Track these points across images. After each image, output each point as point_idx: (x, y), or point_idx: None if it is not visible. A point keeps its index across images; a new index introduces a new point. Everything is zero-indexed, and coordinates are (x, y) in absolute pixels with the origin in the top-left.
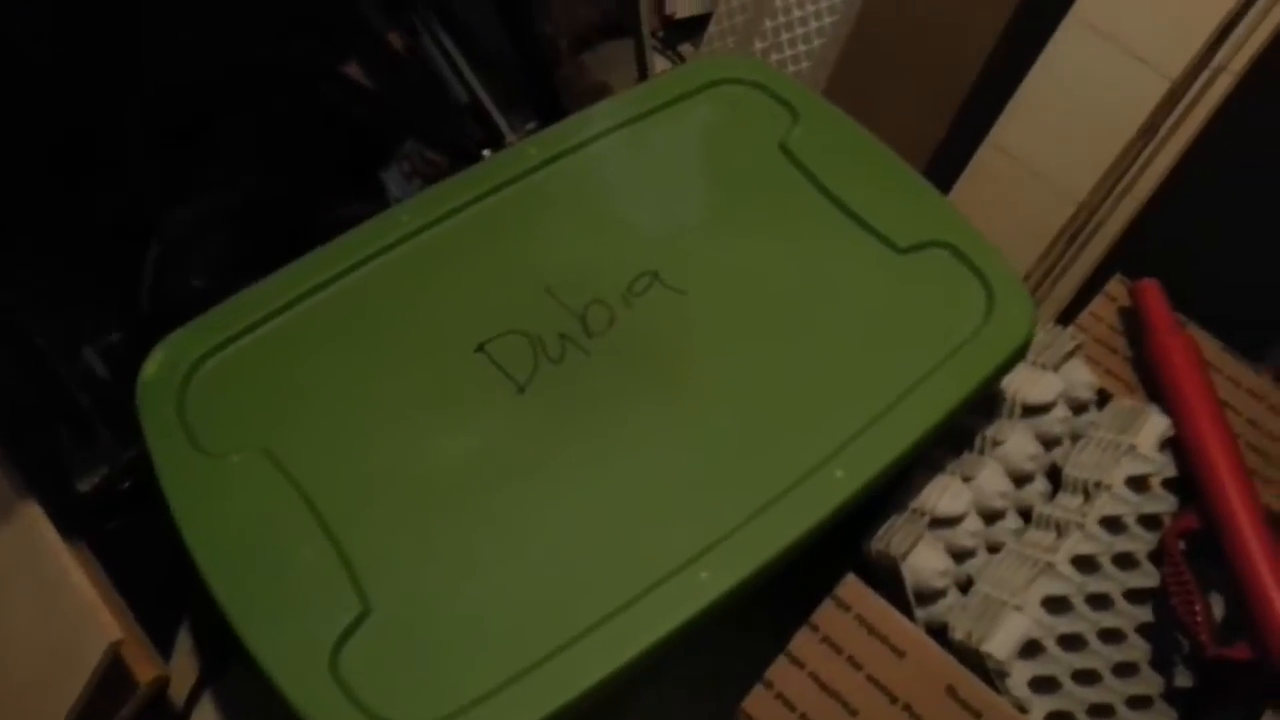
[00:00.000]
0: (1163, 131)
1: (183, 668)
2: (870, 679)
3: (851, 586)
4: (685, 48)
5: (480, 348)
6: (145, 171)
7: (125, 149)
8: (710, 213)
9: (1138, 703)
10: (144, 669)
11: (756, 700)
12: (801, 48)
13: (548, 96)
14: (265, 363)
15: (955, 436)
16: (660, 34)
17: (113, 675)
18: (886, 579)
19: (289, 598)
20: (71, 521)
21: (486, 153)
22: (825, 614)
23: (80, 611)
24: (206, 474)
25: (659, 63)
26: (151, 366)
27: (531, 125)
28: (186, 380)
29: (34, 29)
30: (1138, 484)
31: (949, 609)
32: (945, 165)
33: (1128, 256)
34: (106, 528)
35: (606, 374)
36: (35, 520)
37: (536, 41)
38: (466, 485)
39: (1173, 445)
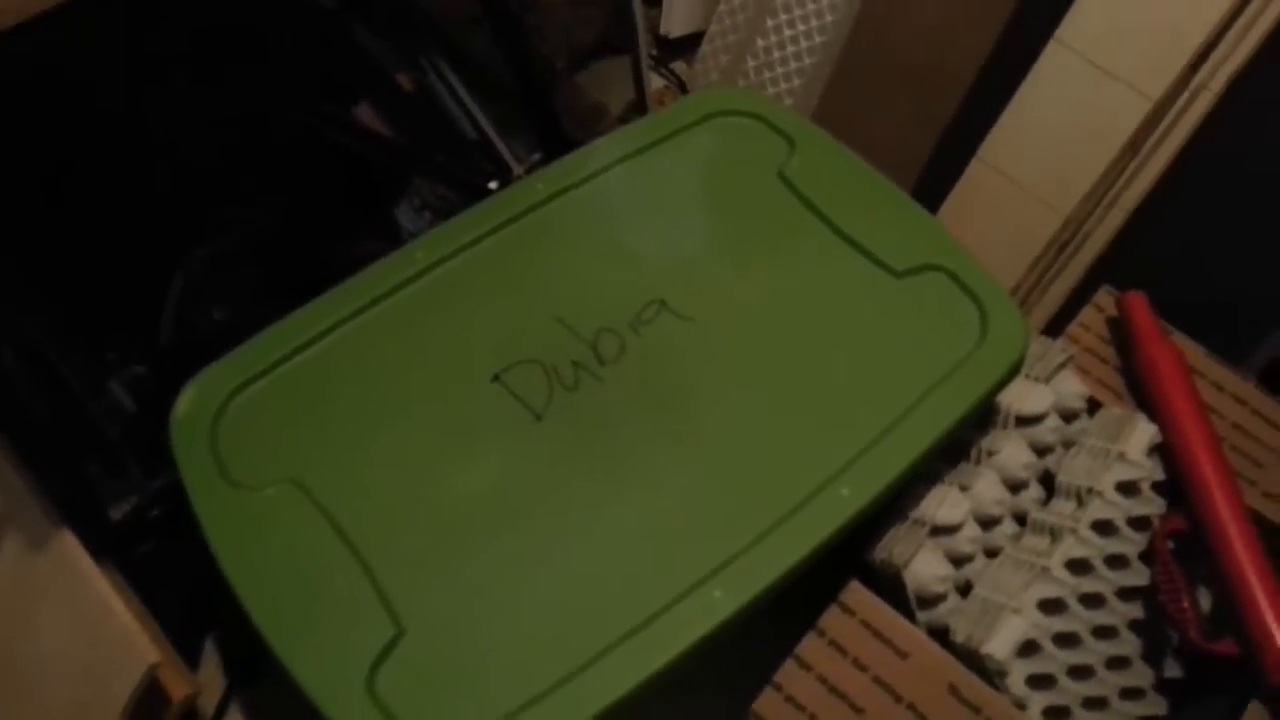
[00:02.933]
0: (1146, 148)
1: (210, 680)
2: (876, 680)
3: (856, 592)
4: (678, 65)
5: (497, 377)
6: (167, 211)
7: (148, 189)
8: (713, 241)
9: (1130, 694)
10: (178, 687)
11: (767, 702)
12: (793, 65)
13: (548, 119)
14: (292, 397)
15: (952, 447)
16: (654, 52)
17: (149, 695)
18: (889, 585)
19: (325, 623)
20: (105, 548)
21: (494, 185)
22: (831, 619)
23: (118, 636)
24: (241, 507)
25: (653, 80)
26: (183, 404)
27: (536, 156)
28: (217, 417)
29: (61, 76)
30: (1127, 489)
31: (950, 612)
32: (934, 181)
33: (1114, 266)
34: (137, 553)
35: (619, 400)
36: (71, 548)
37: (534, 65)
38: (489, 511)
39: (1160, 450)
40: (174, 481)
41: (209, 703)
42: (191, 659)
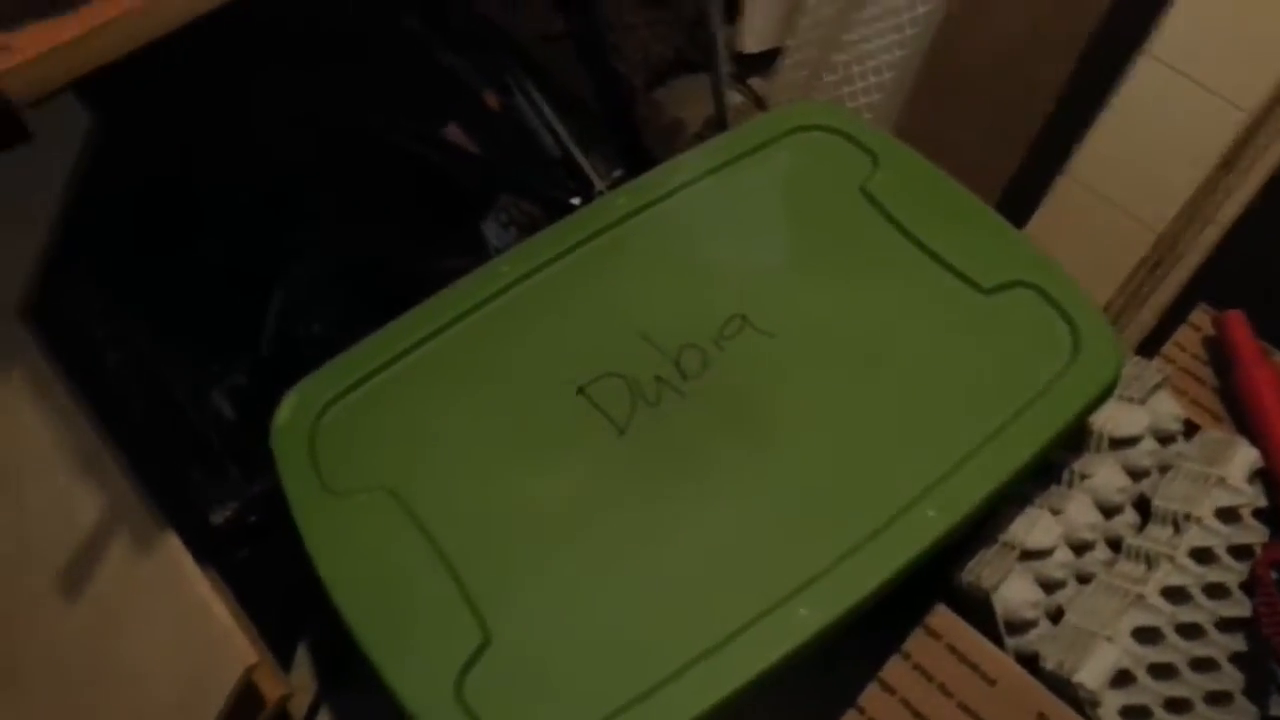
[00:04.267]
0: (1243, 162)
1: (302, 682)
2: (961, 706)
3: (942, 616)
4: (755, 81)
5: (581, 390)
6: (265, 229)
7: (247, 208)
8: (796, 256)
9: None
10: (272, 688)
11: None
12: (872, 80)
13: (629, 135)
14: (385, 407)
15: (1043, 470)
16: (731, 69)
17: (245, 696)
18: (976, 609)
19: (416, 628)
20: (206, 551)
21: (576, 201)
22: (916, 642)
23: (218, 637)
24: (337, 513)
25: (731, 96)
26: (284, 413)
27: (618, 173)
28: (315, 426)
29: (165, 100)
30: (1228, 515)
31: (1039, 639)
32: (1019, 197)
33: (1211, 284)
34: (237, 557)
35: (702, 415)
36: (176, 551)
37: (616, 82)
38: (574, 522)
39: (1262, 476)
40: (272, 488)
41: (300, 704)
42: (285, 661)
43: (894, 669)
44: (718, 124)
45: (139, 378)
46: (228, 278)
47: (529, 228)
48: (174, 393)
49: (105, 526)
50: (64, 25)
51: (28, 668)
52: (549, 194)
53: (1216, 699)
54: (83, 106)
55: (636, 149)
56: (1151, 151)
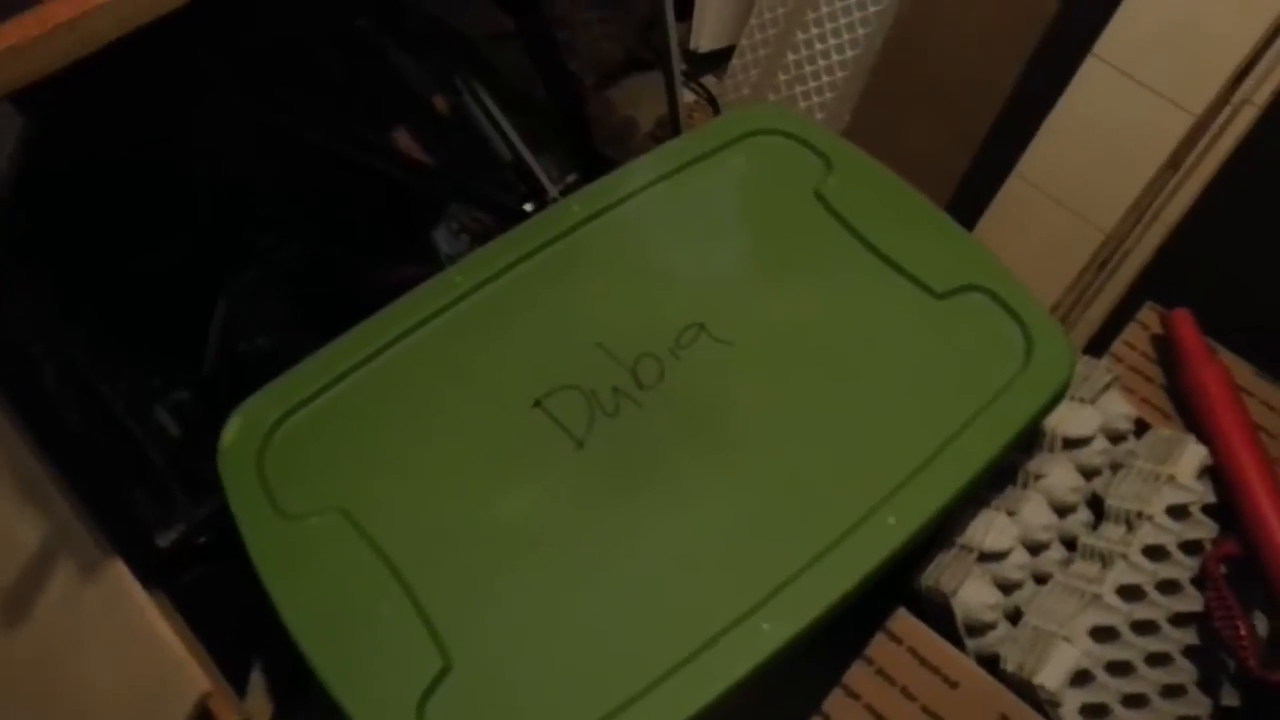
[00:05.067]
0: (1188, 162)
1: (258, 705)
2: (925, 710)
3: (903, 620)
4: (708, 79)
5: (538, 403)
6: (209, 238)
7: (190, 216)
8: (751, 263)
9: None
10: (227, 714)
11: None
12: (825, 79)
13: (581, 137)
14: (336, 424)
15: (998, 471)
16: (684, 67)
17: None
18: (937, 612)
19: (373, 654)
20: (153, 575)
21: (529, 207)
22: (878, 647)
23: (170, 665)
24: (288, 536)
25: (684, 95)
26: (230, 433)
27: (571, 177)
28: (264, 445)
29: (103, 108)
30: (1178, 512)
31: (999, 640)
32: (970, 197)
33: (1158, 283)
34: (186, 580)
35: (660, 425)
36: (121, 576)
37: (567, 81)
38: (533, 539)
39: (1211, 472)
40: (220, 508)
41: None
42: (239, 685)
43: (857, 674)
44: (671, 123)
45: (78, 394)
46: (170, 289)
47: (481, 235)
48: (115, 410)
49: (48, 552)
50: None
51: None
52: (501, 201)
53: (1172, 692)
54: (16, 111)
55: (589, 151)
56: (1099, 152)
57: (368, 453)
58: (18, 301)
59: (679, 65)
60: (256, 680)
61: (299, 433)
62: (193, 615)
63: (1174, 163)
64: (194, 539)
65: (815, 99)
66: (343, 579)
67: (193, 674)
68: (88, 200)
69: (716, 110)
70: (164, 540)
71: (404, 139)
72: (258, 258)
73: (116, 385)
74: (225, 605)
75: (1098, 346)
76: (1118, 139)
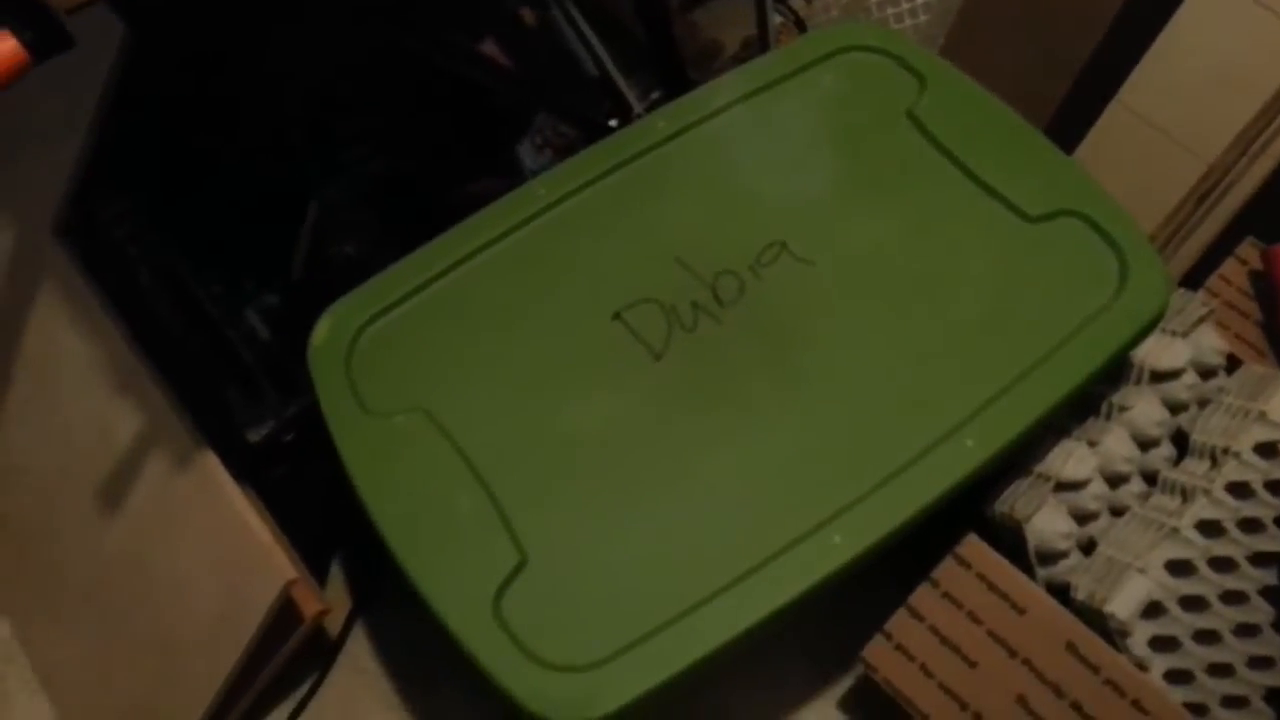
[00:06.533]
0: None
1: (337, 599)
2: (990, 634)
3: (973, 545)
4: (797, 2)
5: (618, 315)
6: (301, 145)
7: (282, 124)
8: (837, 183)
9: (1259, 663)
10: (310, 604)
11: (876, 650)
12: (919, 0)
13: (669, 56)
14: (421, 329)
15: (1081, 401)
16: None
17: (284, 611)
18: (1008, 539)
19: (454, 547)
20: (243, 469)
21: (614, 123)
22: (946, 570)
23: (256, 554)
24: (374, 433)
25: (771, 18)
26: (320, 334)
27: (656, 95)
28: (352, 346)
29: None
30: (1267, 450)
31: (1071, 569)
32: (1068, 124)
33: (1260, 217)
34: (273, 475)
35: (738, 342)
36: (213, 469)
37: (655, 1)
38: (610, 447)
39: None
40: (307, 407)
41: (335, 621)
42: (320, 578)
43: (923, 596)
44: (760, 43)
45: (173, 296)
46: (261, 197)
47: (565, 150)
48: (208, 312)
49: (143, 444)
50: None
51: (73, 584)
52: (586, 115)
53: (1245, 631)
54: (119, 18)
55: (675, 71)
56: (1205, 80)
57: (451, 357)
58: (114, 206)
59: None
60: (336, 574)
61: (385, 335)
62: (279, 509)
63: None
64: (282, 436)
65: (908, 21)
66: (425, 475)
67: (279, 563)
68: (182, 110)
69: (804, 32)
70: (254, 435)
71: (490, 49)
72: (346, 168)
73: (210, 288)
74: (310, 501)
75: (1194, 280)
76: (1227, 66)
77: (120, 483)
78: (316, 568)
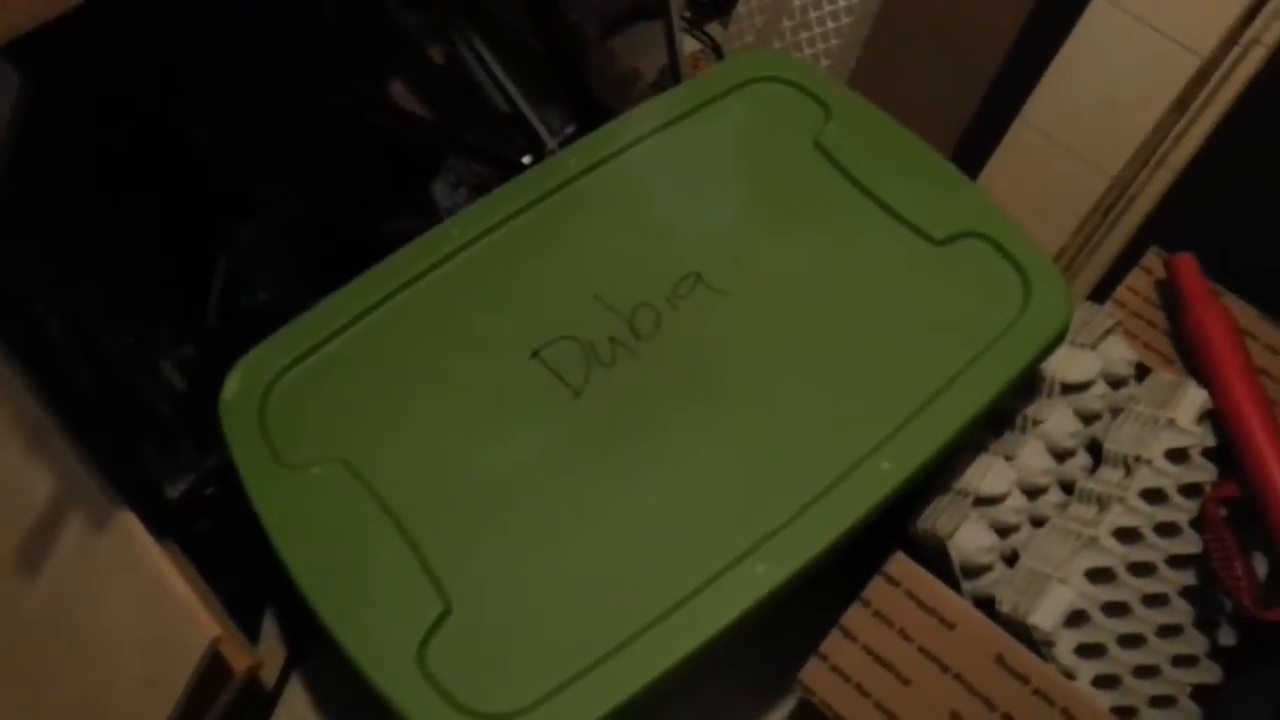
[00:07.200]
0: (1195, 105)
1: (271, 651)
2: (922, 650)
3: (900, 563)
4: (713, 27)
5: (535, 354)
6: (208, 194)
7: (189, 172)
8: (748, 212)
9: (1182, 661)
10: (239, 659)
11: (812, 672)
12: (830, 25)
13: (579, 88)
14: (336, 377)
15: (996, 416)
16: (686, 14)
17: (213, 668)
18: (933, 555)
19: (376, 600)
20: (163, 526)
21: (527, 160)
22: (876, 589)
23: (180, 612)
24: (290, 486)
25: (687, 43)
26: (232, 386)
27: (570, 129)
28: (265, 398)
29: (102, 61)
30: (1177, 456)
31: (995, 582)
32: (976, 144)
33: (1163, 228)
34: (195, 529)
35: (657, 375)
36: (132, 527)
37: (564, 32)
38: (532, 487)
39: (1211, 416)
40: (228, 460)
41: (270, 672)
42: (251, 632)
43: (855, 615)
44: (672, 72)
45: (84, 350)
46: (173, 245)
47: (480, 188)
48: (121, 365)
49: (58, 504)
50: None
51: None
52: (499, 153)
53: (1169, 631)
54: (11, 67)
55: (588, 102)
56: (1105, 96)
57: (367, 404)
58: (20, 257)
59: (680, 12)
60: (269, 626)
61: (299, 385)
62: (204, 564)
63: (1181, 105)
64: (202, 489)
65: (820, 45)
66: (344, 527)
67: (204, 621)
68: (87, 156)
69: (720, 58)
70: (173, 491)
71: (400, 91)
72: (257, 213)
73: (121, 340)
74: (236, 553)
75: (1103, 292)
76: (1124, 82)
77: (36, 544)
78: (247, 620)
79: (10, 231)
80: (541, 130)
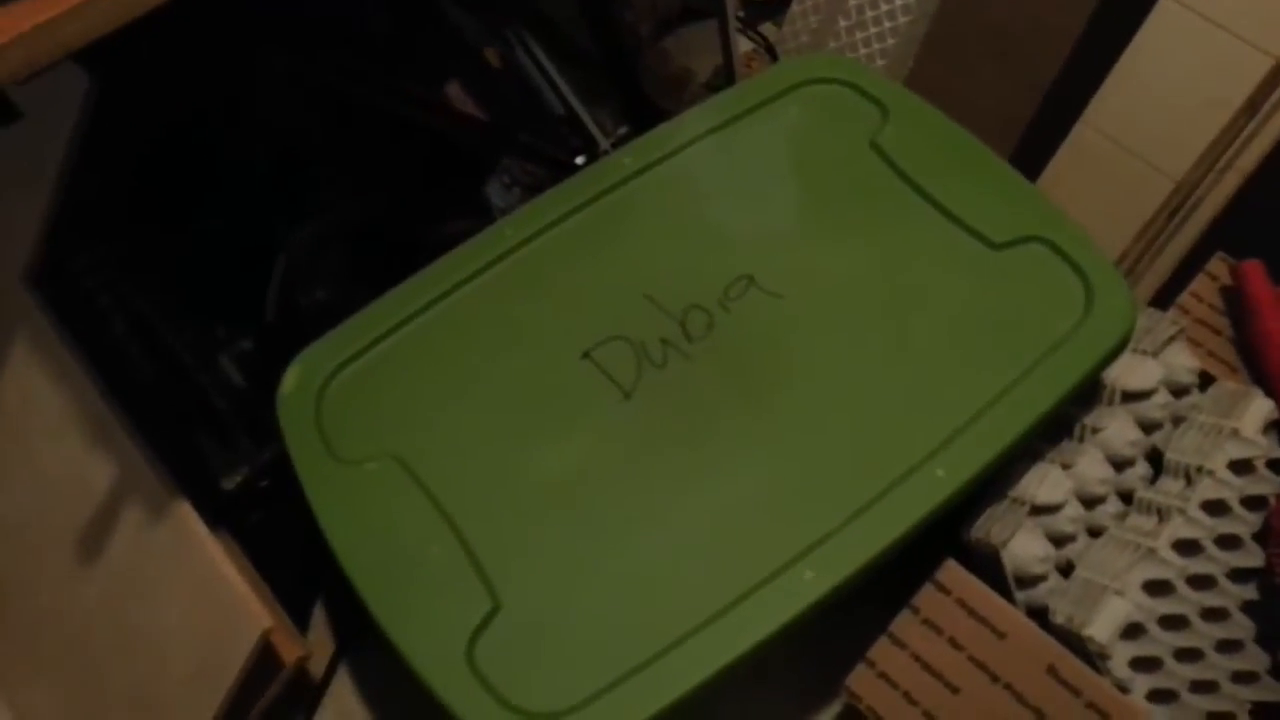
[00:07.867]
0: (1265, 108)
1: (320, 642)
2: (971, 659)
3: (951, 571)
4: (766, 27)
5: (587, 354)
6: (268, 195)
7: (250, 174)
8: (803, 215)
9: (1242, 678)
10: (289, 650)
11: (860, 678)
12: (886, 25)
13: (633, 89)
14: (391, 374)
15: (1054, 424)
16: (741, 15)
17: (263, 658)
18: (986, 564)
19: (426, 595)
20: (218, 517)
21: (581, 160)
22: (926, 597)
23: (233, 602)
24: (344, 481)
25: (741, 44)
26: (289, 382)
27: (623, 129)
28: (321, 394)
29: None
30: (1241, 467)
31: (1049, 593)
32: (1036, 146)
33: (1229, 233)
34: (249, 521)
35: (708, 377)
36: (187, 518)
37: (619, 33)
38: (581, 488)
39: (1276, 427)
40: (282, 453)
41: (319, 665)
42: (301, 623)
43: (904, 623)
44: (726, 73)
45: (145, 344)
46: (232, 244)
47: (533, 188)
48: (181, 359)
49: (118, 495)
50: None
51: (52, 637)
52: (553, 154)
53: (1228, 647)
54: (82, 69)
55: (642, 103)
56: (1171, 98)
57: (421, 401)
58: (86, 254)
59: (735, 12)
60: (319, 618)
61: (355, 382)
62: (257, 555)
63: (1250, 108)
64: (257, 482)
65: (876, 45)
66: (396, 522)
67: (255, 610)
68: (152, 158)
69: (774, 59)
70: (228, 483)
71: (456, 93)
72: (315, 214)
73: (182, 335)
74: (289, 545)
75: (1165, 298)
76: (1191, 84)
77: (96, 534)
78: (298, 611)
79: (78, 230)
80: (595, 131)
